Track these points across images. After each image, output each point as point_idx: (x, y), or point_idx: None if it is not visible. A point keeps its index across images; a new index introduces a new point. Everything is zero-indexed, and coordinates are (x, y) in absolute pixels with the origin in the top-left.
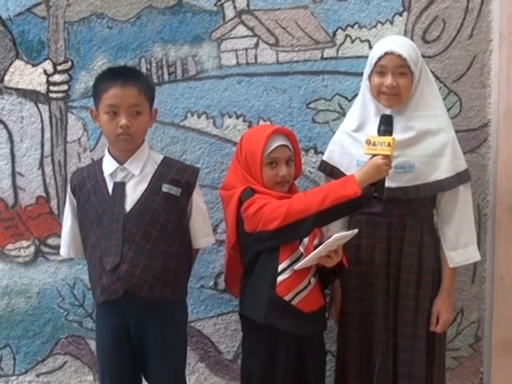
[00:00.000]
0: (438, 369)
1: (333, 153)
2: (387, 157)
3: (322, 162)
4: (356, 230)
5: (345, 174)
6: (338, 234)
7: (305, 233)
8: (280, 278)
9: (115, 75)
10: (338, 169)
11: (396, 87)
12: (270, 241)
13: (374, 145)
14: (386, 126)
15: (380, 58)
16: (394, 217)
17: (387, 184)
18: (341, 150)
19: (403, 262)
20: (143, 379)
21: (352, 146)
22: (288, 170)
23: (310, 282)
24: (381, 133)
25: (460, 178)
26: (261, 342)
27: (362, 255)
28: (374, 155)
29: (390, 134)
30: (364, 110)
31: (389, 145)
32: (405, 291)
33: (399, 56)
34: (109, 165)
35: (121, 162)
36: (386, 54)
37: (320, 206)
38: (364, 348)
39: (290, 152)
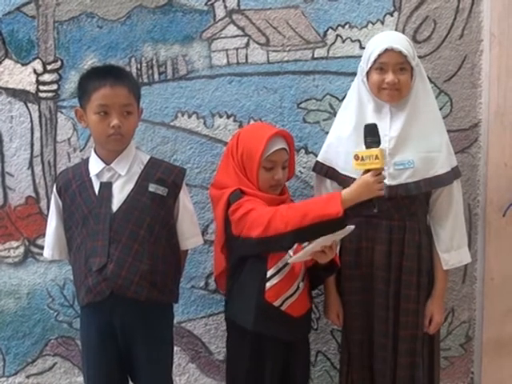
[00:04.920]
0: (436, 369)
1: (328, 153)
2: (379, 172)
3: (317, 162)
4: (352, 227)
5: (342, 175)
6: (351, 226)
7: (285, 247)
8: (269, 284)
9: (105, 74)
10: (334, 169)
11: (397, 83)
12: (254, 249)
13: (363, 159)
14: (371, 136)
15: (380, 55)
16: (395, 219)
17: (388, 182)
18: (336, 150)
19: (404, 264)
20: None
21: (349, 145)
22: (283, 173)
23: (298, 287)
24: (367, 144)
25: (455, 173)
26: (247, 347)
27: (362, 258)
28: (367, 170)
29: (378, 145)
30: (361, 107)
31: (377, 157)
32: (406, 294)
33: (400, 52)
34: (95, 165)
35: (107, 162)
36: (386, 50)
37: (300, 222)
38: (366, 353)
39: (287, 156)
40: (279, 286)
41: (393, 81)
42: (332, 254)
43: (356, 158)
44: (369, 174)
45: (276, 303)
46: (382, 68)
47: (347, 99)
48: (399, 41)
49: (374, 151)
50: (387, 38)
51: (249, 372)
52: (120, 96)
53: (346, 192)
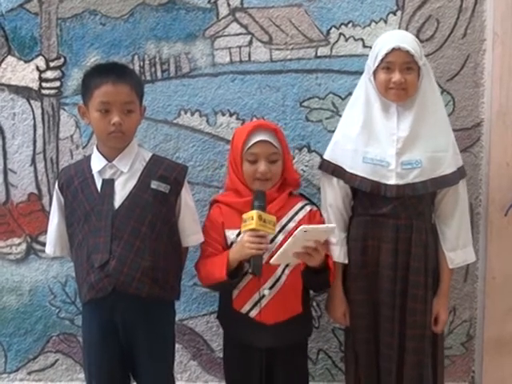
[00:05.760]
0: (441, 366)
1: (335, 151)
2: (256, 234)
3: (324, 161)
4: (332, 225)
5: (349, 173)
6: (306, 226)
7: None
8: (235, 291)
9: (107, 72)
10: (341, 167)
11: (404, 83)
12: None
13: (245, 221)
14: (258, 201)
15: (387, 54)
16: (402, 218)
17: (395, 181)
18: (343, 148)
19: (412, 264)
20: (132, 378)
21: (357, 143)
22: (269, 166)
23: (264, 294)
24: (252, 207)
25: (461, 173)
26: (236, 349)
27: (369, 257)
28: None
29: (262, 210)
30: (368, 106)
31: (252, 218)
32: (414, 293)
33: (407, 52)
34: (97, 162)
35: (109, 159)
36: (393, 49)
37: (206, 281)
38: (372, 351)
39: (273, 149)
40: (243, 294)
41: (399, 80)
42: (319, 256)
43: (242, 219)
44: (246, 233)
45: (243, 310)
46: (389, 67)
47: (354, 97)
48: (407, 40)
49: (251, 213)
50: (395, 37)
51: (239, 374)
52: (121, 94)
53: (231, 250)
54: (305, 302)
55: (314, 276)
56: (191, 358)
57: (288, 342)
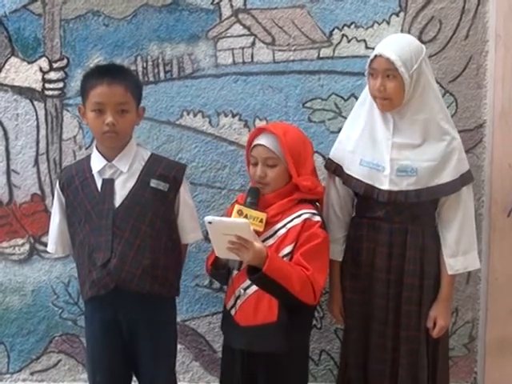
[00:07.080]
0: (441, 370)
1: (338, 151)
2: None
3: (328, 159)
4: (241, 221)
5: (346, 173)
6: (211, 217)
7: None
8: (227, 287)
9: (102, 73)
10: (341, 167)
11: (383, 91)
12: None
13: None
14: (250, 197)
15: (372, 61)
16: (396, 222)
17: (389, 187)
18: (344, 148)
19: (406, 267)
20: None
21: (357, 145)
22: (265, 170)
23: (241, 293)
24: (246, 205)
25: (463, 180)
26: (225, 351)
27: (363, 258)
28: None
29: (251, 206)
30: (371, 109)
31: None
32: (408, 296)
33: (387, 59)
34: (97, 162)
35: (109, 159)
36: (376, 56)
37: (206, 270)
38: (361, 352)
39: (268, 153)
40: (230, 289)
41: (378, 88)
42: (246, 252)
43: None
44: None
45: (227, 306)
46: (374, 74)
47: (361, 97)
48: (394, 46)
49: (235, 207)
50: (383, 44)
51: (224, 375)
52: (116, 95)
53: None
54: (282, 312)
55: (252, 275)
56: (193, 358)
57: (258, 348)
